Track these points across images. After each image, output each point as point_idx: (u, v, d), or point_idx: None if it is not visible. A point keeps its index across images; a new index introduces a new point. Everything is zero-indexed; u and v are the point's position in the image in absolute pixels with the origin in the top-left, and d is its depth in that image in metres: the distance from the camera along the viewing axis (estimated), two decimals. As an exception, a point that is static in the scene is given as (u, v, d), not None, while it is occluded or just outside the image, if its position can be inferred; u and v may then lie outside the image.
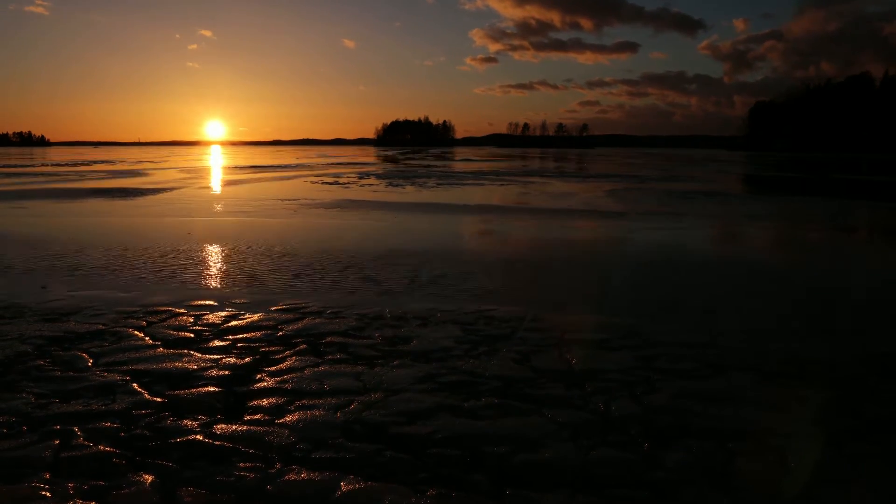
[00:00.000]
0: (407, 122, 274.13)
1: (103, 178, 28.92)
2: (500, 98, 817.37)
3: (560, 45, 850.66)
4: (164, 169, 40.68)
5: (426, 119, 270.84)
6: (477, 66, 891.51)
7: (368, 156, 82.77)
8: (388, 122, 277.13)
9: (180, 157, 73.78)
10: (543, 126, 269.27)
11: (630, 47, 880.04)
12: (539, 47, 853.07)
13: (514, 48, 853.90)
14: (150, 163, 53.52)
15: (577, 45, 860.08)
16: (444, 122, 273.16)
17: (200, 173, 34.90)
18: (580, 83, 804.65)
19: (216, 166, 46.29)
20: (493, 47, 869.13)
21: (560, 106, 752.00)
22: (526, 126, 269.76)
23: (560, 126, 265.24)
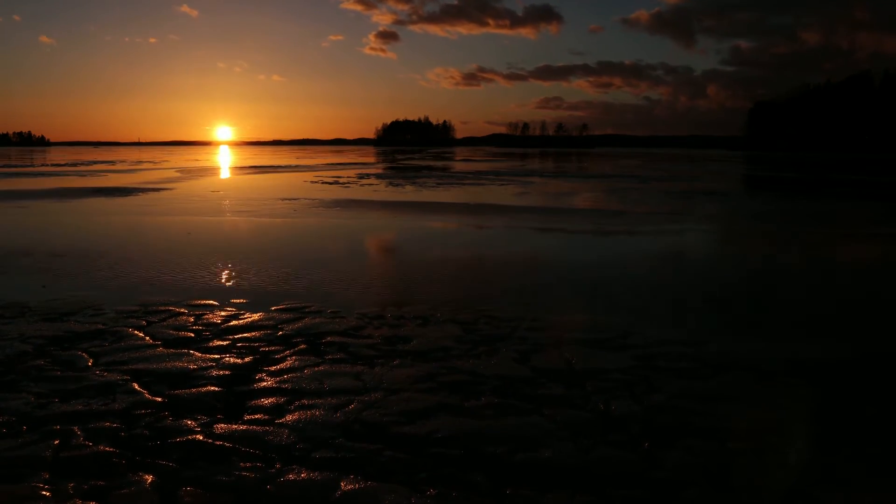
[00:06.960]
0: (407, 122, 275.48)
1: (103, 178, 28.92)
2: (451, 92, 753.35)
3: (461, 13, 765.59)
4: (164, 169, 40.68)
5: (426, 119, 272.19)
6: (376, 43, 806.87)
7: (368, 156, 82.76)
8: (389, 123, 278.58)
9: (180, 157, 73.78)
10: (543, 126, 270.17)
11: (550, 16, 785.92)
12: (434, 19, 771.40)
13: (403, 20, 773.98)
14: (150, 163, 53.51)
15: (482, 10, 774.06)
16: (445, 122, 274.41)
17: (201, 173, 34.90)
18: (528, 69, 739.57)
19: (217, 166, 46.28)
20: (380, 18, 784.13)
21: (520, 100, 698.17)
22: (526, 126, 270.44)
23: (559, 126, 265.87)
